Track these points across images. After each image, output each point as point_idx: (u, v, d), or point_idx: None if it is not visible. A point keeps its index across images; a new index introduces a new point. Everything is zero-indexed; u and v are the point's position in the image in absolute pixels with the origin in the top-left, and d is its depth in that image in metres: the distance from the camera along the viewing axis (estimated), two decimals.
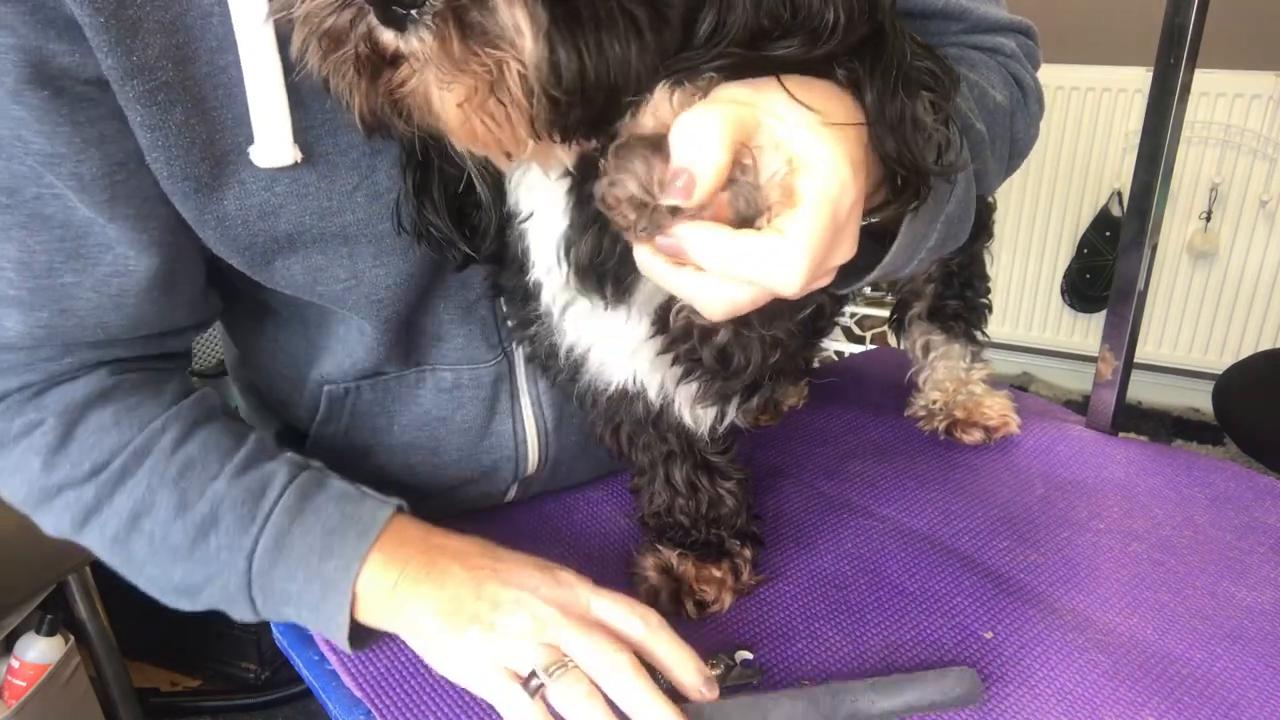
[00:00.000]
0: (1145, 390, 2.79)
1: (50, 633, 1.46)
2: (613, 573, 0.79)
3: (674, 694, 0.61)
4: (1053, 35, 2.04)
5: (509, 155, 0.47)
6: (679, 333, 0.59)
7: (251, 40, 0.57)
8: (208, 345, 2.06)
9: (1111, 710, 0.63)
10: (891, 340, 1.16)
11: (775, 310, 0.58)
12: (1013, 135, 0.74)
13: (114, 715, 1.65)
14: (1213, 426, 2.54)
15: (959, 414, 0.99)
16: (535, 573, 0.65)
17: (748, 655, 0.69)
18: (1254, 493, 0.88)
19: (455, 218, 0.61)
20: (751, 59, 0.45)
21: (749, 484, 0.79)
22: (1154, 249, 0.96)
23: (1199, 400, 2.69)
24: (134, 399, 0.67)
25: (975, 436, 0.98)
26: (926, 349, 1.02)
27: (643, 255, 0.46)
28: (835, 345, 2.34)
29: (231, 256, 0.66)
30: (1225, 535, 0.82)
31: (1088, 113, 2.58)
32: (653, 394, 0.66)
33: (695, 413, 0.69)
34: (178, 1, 0.56)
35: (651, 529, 0.79)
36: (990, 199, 0.95)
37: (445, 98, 0.43)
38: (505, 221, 0.61)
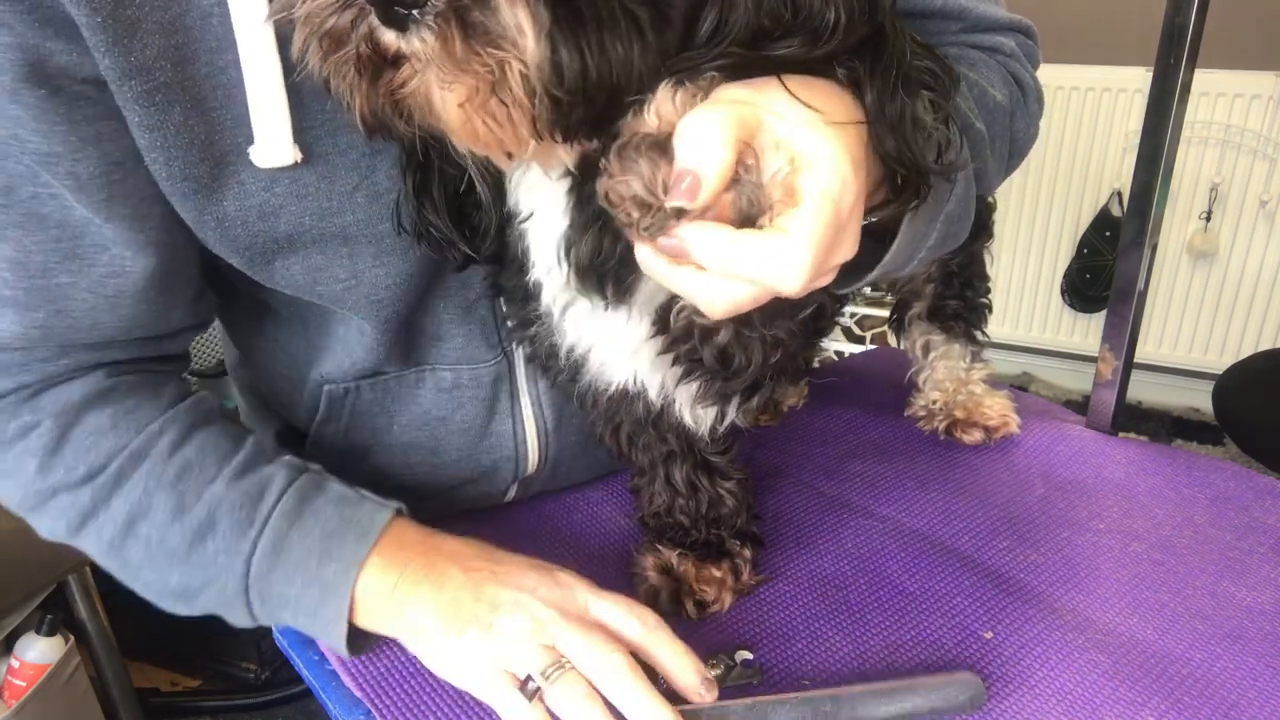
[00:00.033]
0: (1145, 390, 2.79)
1: (50, 633, 1.46)
2: (613, 573, 0.79)
3: (673, 695, 0.61)
4: (1053, 35, 2.04)
5: (510, 155, 0.47)
6: (680, 333, 0.59)
7: (251, 40, 0.57)
8: (208, 345, 2.06)
9: (1111, 710, 0.63)
10: (891, 340, 1.16)
11: (776, 309, 0.58)
12: (1012, 134, 0.74)
13: (114, 715, 1.65)
14: (1213, 426, 2.54)
15: (959, 414, 0.99)
16: (533, 574, 0.65)
17: (748, 655, 0.69)
18: (1254, 493, 0.88)
19: (455, 218, 0.61)
20: (753, 59, 0.45)
21: (749, 484, 0.79)
22: (1154, 249, 0.96)
23: (1199, 400, 2.69)
24: (131, 401, 0.67)
25: (975, 436, 0.98)
26: (926, 349, 1.02)
27: (644, 254, 0.46)
28: (835, 345, 2.34)
29: (231, 256, 0.66)
30: (1225, 535, 0.82)
31: (1088, 113, 2.58)
32: (653, 394, 0.66)
33: (696, 413, 0.69)
34: (177, 2, 0.56)
35: (651, 529, 0.79)
36: (990, 199, 0.95)
37: (447, 98, 0.43)
38: (505, 221, 0.61)
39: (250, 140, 0.60)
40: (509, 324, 0.75)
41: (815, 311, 0.65)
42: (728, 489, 0.77)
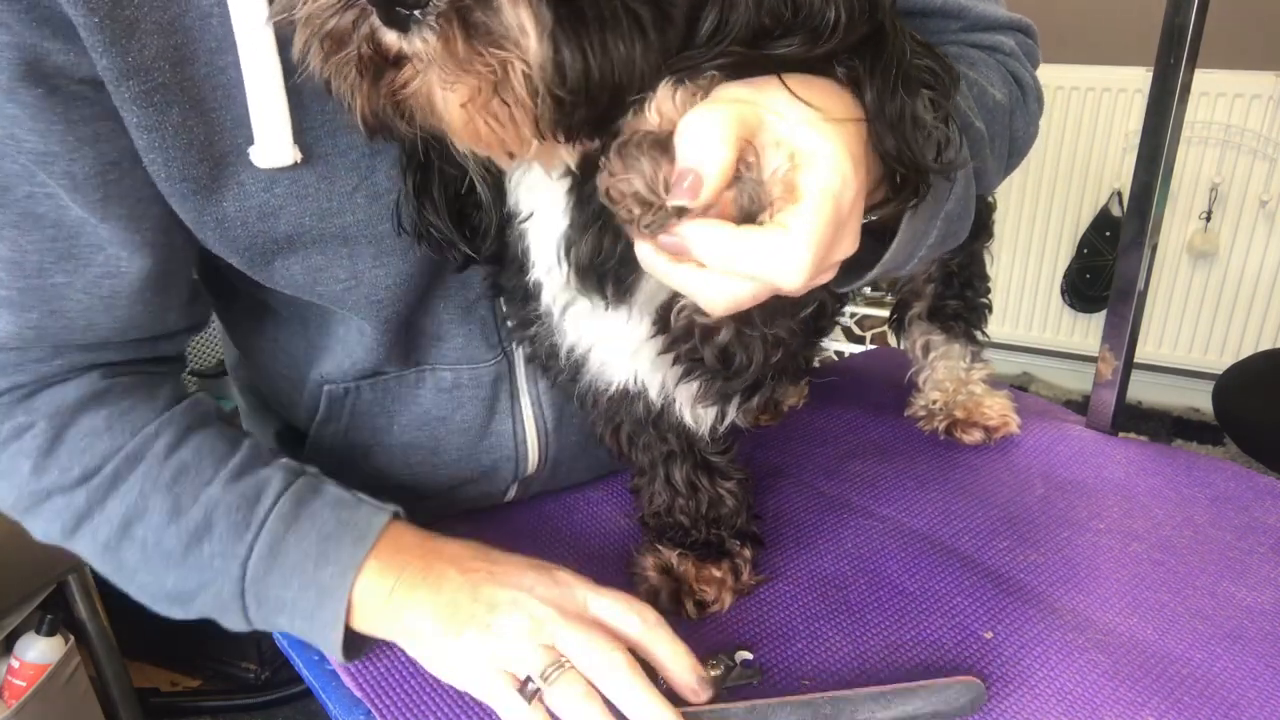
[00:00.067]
0: (1145, 390, 2.79)
1: (50, 633, 1.46)
2: (613, 573, 0.79)
3: (671, 695, 0.61)
4: (1053, 35, 2.04)
5: (512, 155, 0.47)
6: (680, 332, 0.59)
7: (251, 41, 0.57)
8: (208, 345, 2.06)
9: (1111, 710, 0.63)
10: (891, 340, 1.16)
11: (777, 308, 0.59)
12: (1012, 133, 0.74)
13: (114, 715, 1.65)
14: (1213, 426, 2.54)
15: (959, 414, 0.99)
16: (532, 573, 0.65)
17: (747, 655, 0.69)
18: (1254, 493, 0.88)
19: (456, 218, 0.61)
20: (753, 57, 0.45)
21: (749, 484, 0.79)
22: (1154, 249, 0.96)
23: (1199, 400, 2.69)
24: (127, 403, 0.67)
25: (975, 436, 0.98)
26: (926, 349, 1.02)
27: (644, 252, 0.46)
28: (835, 345, 2.34)
29: (231, 257, 0.66)
30: (1225, 535, 0.82)
31: (1088, 113, 2.58)
32: (654, 394, 0.66)
33: (696, 412, 0.69)
34: (176, 2, 0.56)
35: (651, 529, 0.79)
36: (990, 199, 0.95)
37: (449, 98, 0.43)
38: (505, 222, 0.61)
39: (250, 141, 0.60)
40: (509, 324, 0.75)
41: (816, 310, 0.65)
42: (728, 489, 0.77)
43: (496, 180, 0.60)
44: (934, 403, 1.01)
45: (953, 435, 0.99)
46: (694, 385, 0.65)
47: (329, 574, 0.64)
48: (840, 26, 0.46)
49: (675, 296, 0.57)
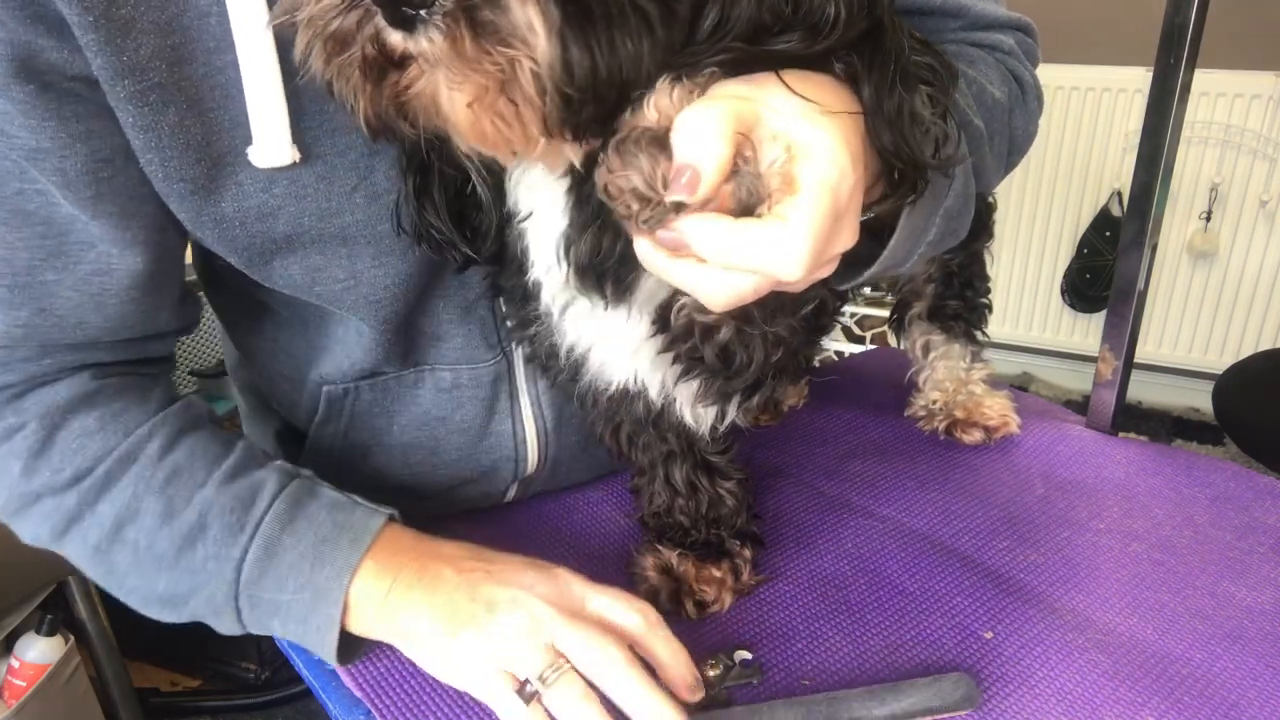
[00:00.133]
0: (1145, 390, 2.79)
1: (50, 633, 1.46)
2: (612, 573, 0.79)
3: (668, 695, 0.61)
4: (1053, 35, 2.04)
5: (517, 155, 0.47)
6: (680, 331, 0.59)
7: (250, 41, 0.57)
8: (208, 345, 2.06)
9: (1111, 710, 0.63)
10: (891, 340, 1.16)
11: (777, 306, 0.58)
12: (1011, 132, 0.74)
13: (114, 715, 1.65)
14: (1213, 426, 2.54)
15: (959, 414, 0.99)
16: (530, 572, 0.64)
17: (747, 655, 0.69)
18: (1254, 493, 0.88)
19: (456, 219, 0.61)
20: (754, 54, 0.45)
21: (749, 484, 0.79)
22: (1154, 249, 0.96)
23: (1199, 400, 2.69)
24: (118, 404, 0.66)
25: (975, 436, 0.98)
26: (926, 349, 1.02)
27: (643, 248, 0.46)
28: (835, 345, 2.34)
29: (230, 256, 0.65)
30: (1225, 535, 0.82)
31: (1088, 113, 2.58)
32: (653, 393, 0.66)
33: (696, 412, 0.68)
34: (174, 2, 0.56)
35: (651, 529, 0.79)
36: (990, 199, 0.95)
37: (455, 98, 0.43)
38: (505, 221, 0.61)
39: (248, 141, 0.59)
40: (508, 324, 0.75)
41: (816, 308, 0.65)
42: (728, 489, 0.77)
43: (496, 180, 0.60)
44: (934, 403, 1.01)
45: (953, 435, 0.99)
46: (694, 384, 0.65)
47: (325, 576, 0.63)
48: (839, 23, 0.46)
49: (675, 295, 0.57)
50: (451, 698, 0.65)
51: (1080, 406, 1.41)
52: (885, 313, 1.85)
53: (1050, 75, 2.45)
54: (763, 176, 0.43)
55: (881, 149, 0.49)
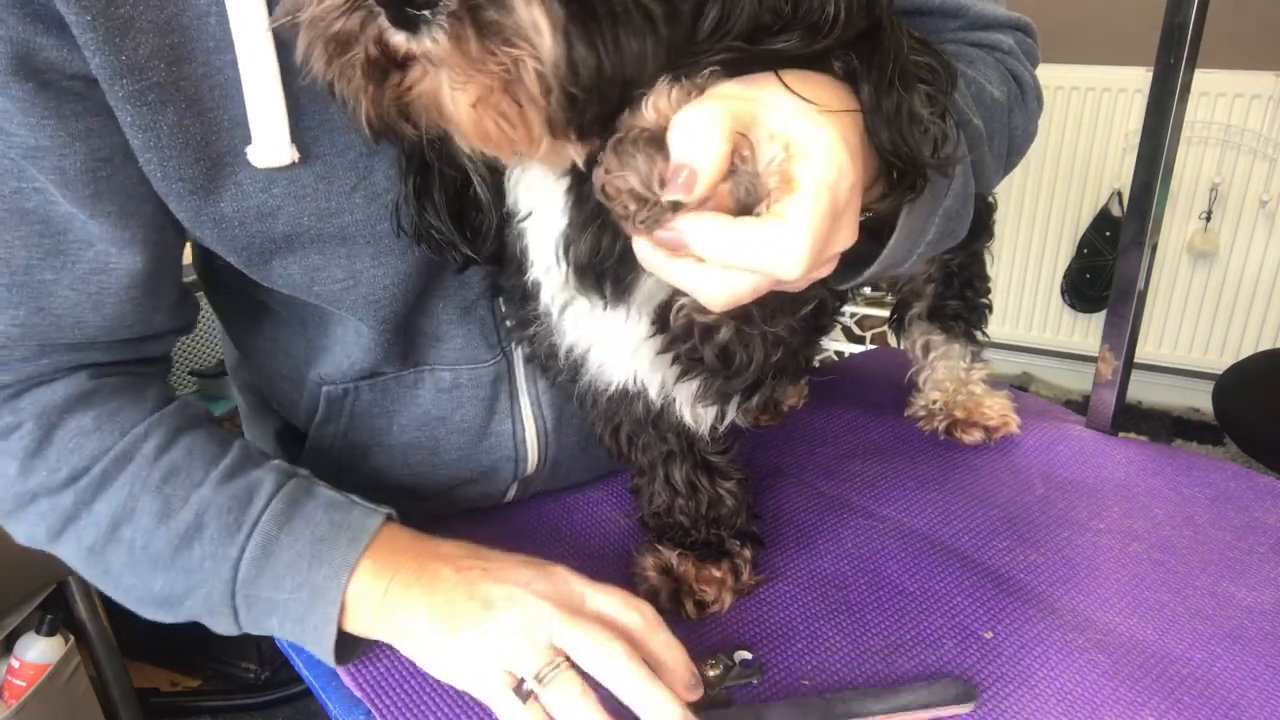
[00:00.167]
0: (1145, 390, 2.79)
1: (50, 633, 1.46)
2: (612, 573, 0.79)
3: None
4: (1053, 35, 2.04)
5: (520, 154, 0.47)
6: (679, 331, 0.59)
7: (249, 40, 0.57)
8: (208, 345, 2.06)
9: (1111, 710, 0.63)
10: (891, 340, 1.16)
11: (777, 306, 0.58)
12: (1010, 132, 0.74)
13: (114, 715, 1.65)
14: (1213, 426, 2.54)
15: (959, 414, 0.99)
16: (527, 570, 0.64)
17: (747, 655, 0.69)
18: (1254, 493, 0.88)
19: (455, 219, 0.61)
20: (754, 53, 0.45)
21: (749, 484, 0.79)
22: (1154, 249, 0.96)
23: (1199, 400, 2.69)
24: (115, 404, 0.66)
25: (975, 436, 0.98)
26: (926, 349, 1.02)
27: (642, 248, 0.46)
28: (835, 345, 2.34)
29: (229, 256, 0.65)
30: (1225, 535, 0.82)
31: (1088, 113, 2.58)
32: (653, 393, 0.66)
33: (696, 412, 0.68)
34: (173, 1, 0.56)
35: (651, 529, 0.79)
36: (990, 199, 0.95)
37: (458, 98, 0.43)
38: (504, 221, 0.61)
39: (247, 140, 0.59)
40: (508, 324, 0.75)
41: (816, 308, 0.65)
42: (727, 489, 0.77)
43: (495, 180, 0.60)
44: (934, 403, 1.01)
45: (953, 435, 0.99)
46: (693, 385, 0.65)
47: (322, 575, 0.63)
48: (839, 22, 0.46)
49: (674, 295, 0.57)
50: (451, 697, 0.65)
51: (1080, 406, 1.41)
52: (885, 313, 1.85)
53: (1050, 75, 2.45)
54: (761, 175, 0.43)
55: (880, 147, 0.49)
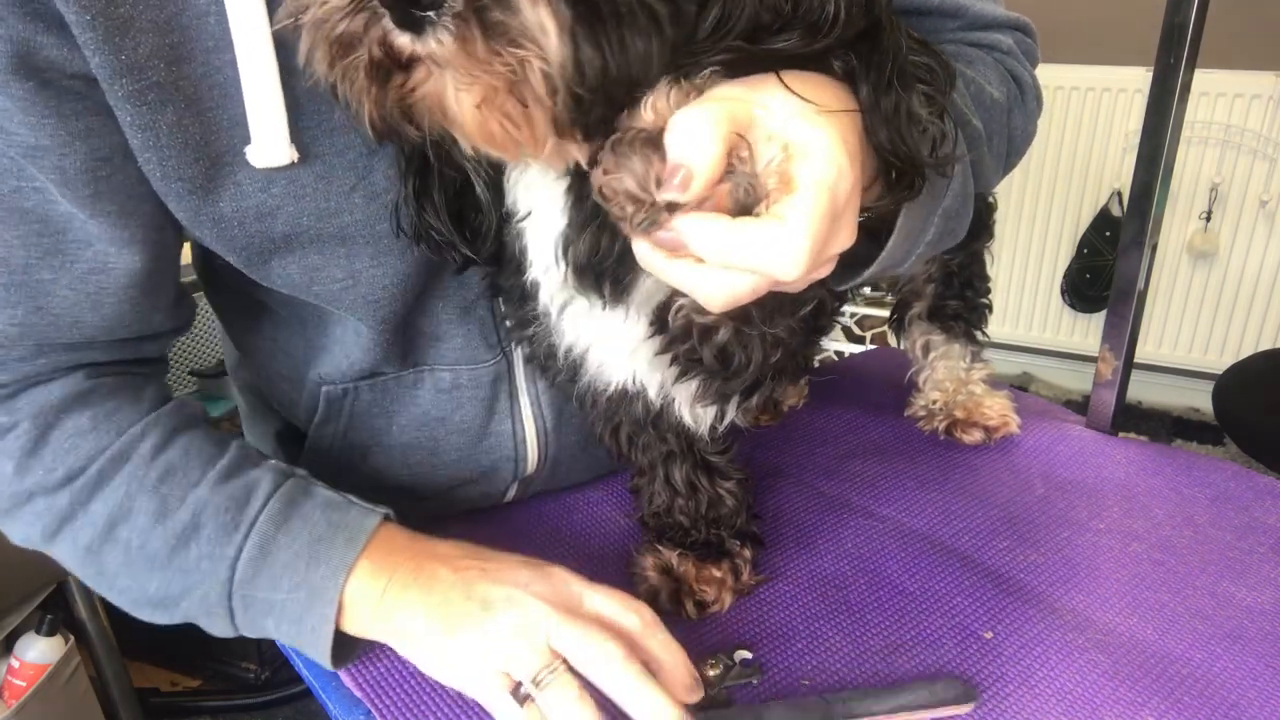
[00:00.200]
0: (1145, 390, 2.79)
1: (50, 633, 1.46)
2: (612, 573, 0.79)
3: None
4: (1053, 35, 2.04)
5: (525, 155, 0.47)
6: (678, 332, 0.59)
7: (248, 40, 0.57)
8: (208, 345, 2.06)
9: (1111, 710, 0.63)
10: (891, 340, 1.16)
11: (776, 307, 0.58)
12: (1010, 132, 0.74)
13: (114, 715, 1.65)
14: (1213, 426, 2.54)
15: (959, 414, 0.99)
16: (525, 570, 0.64)
17: (747, 655, 0.69)
18: (1254, 493, 0.88)
19: (455, 220, 0.61)
20: (754, 53, 0.45)
21: (749, 484, 0.79)
22: (1154, 249, 0.96)
23: (1199, 400, 2.69)
24: (111, 404, 0.66)
25: (975, 436, 0.98)
26: (926, 349, 1.02)
27: (642, 249, 0.46)
28: (835, 345, 2.34)
29: (228, 255, 0.65)
30: (1225, 535, 0.82)
31: (1088, 113, 2.58)
32: (652, 394, 0.66)
33: (695, 412, 0.68)
34: (172, 1, 0.56)
35: (651, 529, 0.79)
36: (990, 199, 0.95)
37: (463, 99, 0.43)
38: (503, 221, 0.61)
39: (246, 140, 0.59)
40: (507, 324, 0.75)
41: (815, 309, 0.65)
42: (727, 489, 0.77)
43: (495, 181, 0.60)
44: (934, 403, 1.01)
45: (953, 435, 0.99)
46: (692, 385, 0.65)
47: (320, 575, 0.63)
48: (839, 21, 0.46)
49: (673, 296, 0.57)
50: (451, 698, 0.65)
51: (1080, 406, 1.41)
52: (885, 313, 1.85)
53: (1050, 75, 2.46)
54: (760, 176, 0.43)
55: (878, 147, 0.49)
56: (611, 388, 0.66)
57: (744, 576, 0.76)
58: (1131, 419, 2.74)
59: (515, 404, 0.80)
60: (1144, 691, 0.65)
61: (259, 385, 0.88)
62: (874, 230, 0.57)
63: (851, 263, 0.58)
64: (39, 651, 1.45)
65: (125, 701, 1.66)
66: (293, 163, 0.61)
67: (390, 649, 0.68)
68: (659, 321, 0.59)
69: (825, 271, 0.49)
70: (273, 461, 0.69)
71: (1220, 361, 2.37)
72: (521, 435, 0.81)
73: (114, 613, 1.64)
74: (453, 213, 0.61)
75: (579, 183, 0.53)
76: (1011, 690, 0.65)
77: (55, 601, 1.53)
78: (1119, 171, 2.59)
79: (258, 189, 0.62)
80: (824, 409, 1.07)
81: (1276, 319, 2.52)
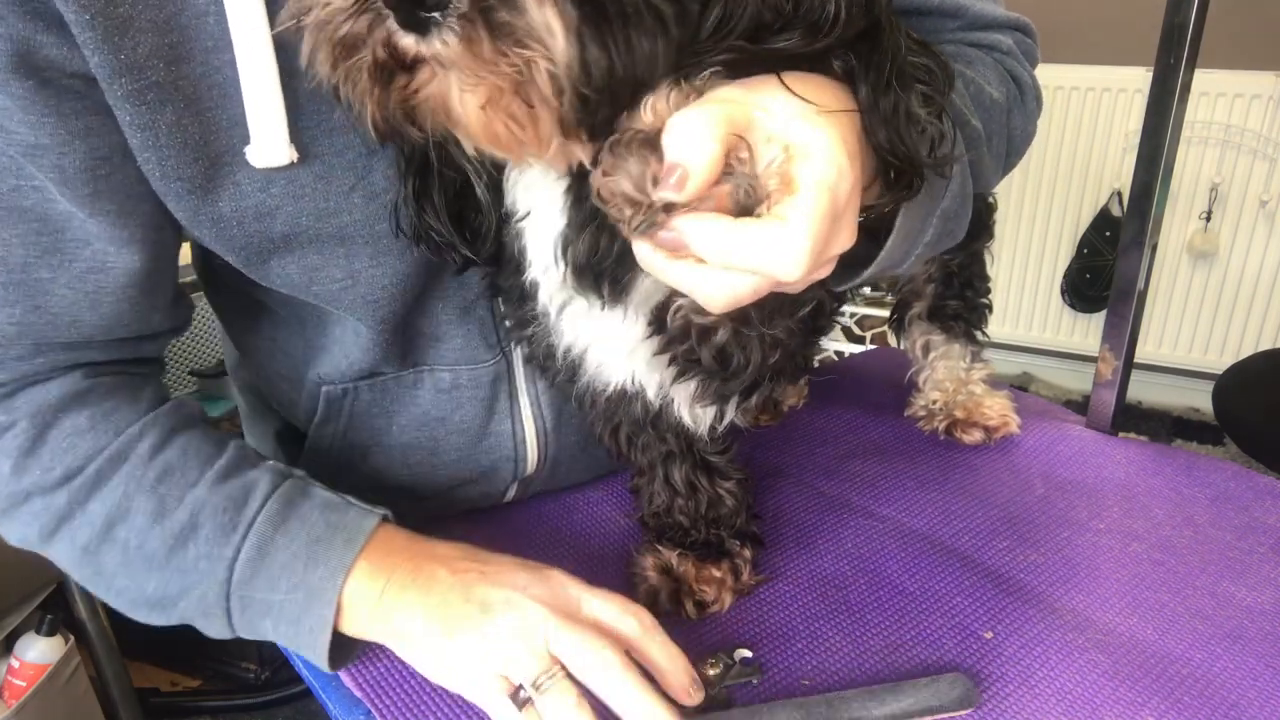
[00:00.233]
0: (1145, 390, 2.79)
1: (50, 633, 1.46)
2: (612, 573, 0.79)
3: (665, 699, 0.60)
4: (1053, 35, 2.04)
5: (529, 156, 0.47)
6: (677, 332, 0.59)
7: (247, 40, 0.56)
8: (208, 345, 2.06)
9: (1111, 710, 0.63)
10: (891, 340, 1.16)
11: (775, 307, 0.58)
12: (1009, 132, 0.74)
13: (114, 715, 1.65)
14: (1213, 426, 2.54)
15: (959, 414, 0.99)
16: (524, 573, 0.64)
17: (747, 654, 0.69)
18: (1254, 493, 0.88)
19: (455, 221, 0.61)
20: (755, 53, 0.45)
21: (749, 484, 0.79)
22: (1154, 249, 0.96)
23: (1199, 400, 2.69)
24: (110, 403, 0.66)
25: (975, 436, 0.98)
26: (926, 349, 1.02)
27: (642, 250, 0.46)
28: (835, 345, 2.34)
29: (227, 255, 0.65)
30: (1225, 535, 0.82)
31: (1088, 113, 2.58)
32: (651, 394, 0.66)
33: (694, 412, 0.68)
34: (172, 1, 0.56)
35: (651, 529, 0.79)
36: (990, 199, 0.95)
37: (467, 100, 0.43)
38: (503, 221, 0.61)
39: (246, 140, 0.59)
40: (507, 324, 0.75)
41: (814, 310, 0.65)
42: (727, 489, 0.77)
43: (495, 181, 0.59)
44: (934, 403, 1.01)
45: (953, 435, 0.99)
46: (691, 385, 0.65)
47: (318, 576, 0.63)
48: (839, 21, 0.46)
49: (671, 296, 0.57)
50: (451, 698, 0.65)
51: (1080, 406, 1.41)
52: (885, 313, 1.85)
53: (1050, 75, 2.46)
54: (760, 177, 0.43)
55: (877, 146, 0.49)
56: (610, 388, 0.66)
57: (744, 576, 0.76)
58: (1131, 419, 2.74)
59: (515, 404, 0.80)
60: (1144, 691, 0.65)
61: (258, 385, 0.88)
62: (873, 230, 0.57)
63: (851, 263, 0.58)
64: (39, 651, 1.45)
65: (125, 701, 1.66)
66: (292, 163, 0.61)
67: (389, 649, 0.68)
68: (657, 322, 0.59)
69: (826, 272, 0.49)
70: (271, 462, 0.69)
71: (1220, 361, 2.37)
72: (521, 435, 0.81)
73: (114, 613, 1.62)
74: (452, 213, 0.61)
75: (578, 183, 0.53)
76: (1011, 690, 0.65)
77: (55, 601, 1.53)
78: (1119, 171, 2.59)
79: (257, 189, 0.62)
80: (824, 409, 1.07)
81: (1276, 319, 2.52)
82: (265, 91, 0.58)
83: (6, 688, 1.43)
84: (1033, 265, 2.81)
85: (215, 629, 0.66)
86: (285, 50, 0.57)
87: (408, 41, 0.42)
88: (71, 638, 1.52)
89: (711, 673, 0.66)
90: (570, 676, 0.59)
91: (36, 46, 0.54)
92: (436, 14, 0.40)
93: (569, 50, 0.40)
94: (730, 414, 0.71)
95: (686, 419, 0.69)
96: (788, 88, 0.44)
